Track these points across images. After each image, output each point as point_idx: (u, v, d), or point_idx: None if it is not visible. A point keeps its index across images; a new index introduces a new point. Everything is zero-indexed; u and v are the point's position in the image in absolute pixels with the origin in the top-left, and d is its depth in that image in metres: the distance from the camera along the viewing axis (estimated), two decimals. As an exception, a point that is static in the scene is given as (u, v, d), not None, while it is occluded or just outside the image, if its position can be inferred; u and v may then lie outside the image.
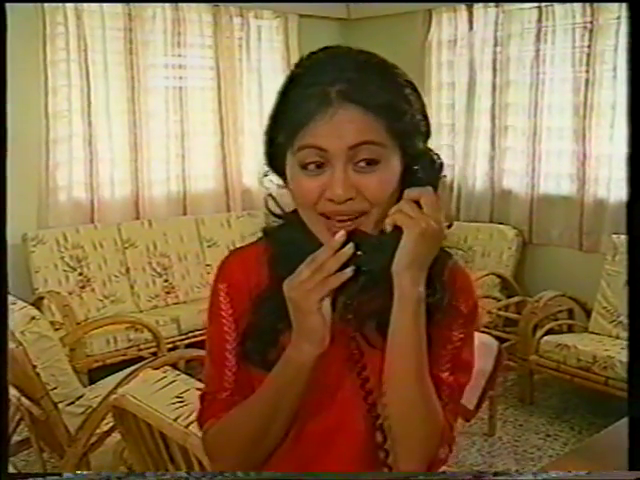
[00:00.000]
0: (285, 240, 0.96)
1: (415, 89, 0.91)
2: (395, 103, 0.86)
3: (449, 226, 0.94)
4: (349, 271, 0.85)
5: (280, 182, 0.94)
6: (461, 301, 0.96)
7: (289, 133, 0.87)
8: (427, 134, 0.92)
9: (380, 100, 0.84)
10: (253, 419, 0.94)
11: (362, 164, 0.85)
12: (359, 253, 0.86)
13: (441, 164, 0.92)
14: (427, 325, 0.91)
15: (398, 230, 0.87)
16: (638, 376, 0.98)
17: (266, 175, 0.96)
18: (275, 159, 0.92)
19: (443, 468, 0.97)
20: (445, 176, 0.93)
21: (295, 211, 0.94)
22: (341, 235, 0.85)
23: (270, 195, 0.97)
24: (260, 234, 1.02)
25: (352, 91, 0.84)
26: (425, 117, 0.92)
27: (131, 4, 4.27)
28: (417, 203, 0.87)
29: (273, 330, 0.94)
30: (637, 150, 0.95)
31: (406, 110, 0.87)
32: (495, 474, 1.01)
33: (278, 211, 0.98)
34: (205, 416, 1.02)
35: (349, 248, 0.86)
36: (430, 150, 0.92)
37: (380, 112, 0.84)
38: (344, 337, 0.94)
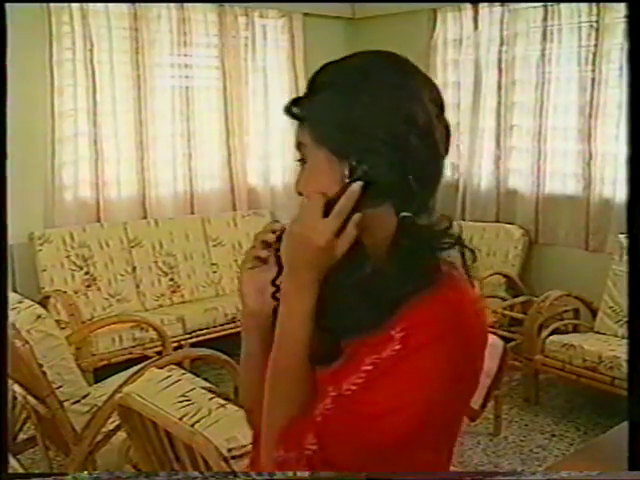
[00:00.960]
0: None
1: (380, 98, 0.87)
2: (317, 108, 0.90)
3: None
4: (264, 252, 0.99)
5: None
6: (401, 323, 0.83)
7: None
8: (375, 145, 0.86)
9: (305, 106, 0.92)
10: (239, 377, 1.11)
11: (301, 161, 0.94)
12: None
13: (355, 168, 0.87)
14: (348, 334, 0.88)
15: None
16: (638, 379, 0.97)
17: None
18: None
19: (453, 468, 0.96)
20: (358, 186, 0.86)
21: None
22: (273, 228, 0.99)
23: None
24: None
25: (301, 98, 0.93)
26: (358, 128, 0.87)
27: (136, 4, 4.28)
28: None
29: None
30: (637, 150, 0.94)
31: (328, 116, 0.89)
32: (504, 474, 1.00)
33: None
34: None
35: (270, 236, 0.98)
36: (356, 161, 0.87)
37: (303, 116, 0.92)
38: None
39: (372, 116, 0.87)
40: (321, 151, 0.90)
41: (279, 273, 0.95)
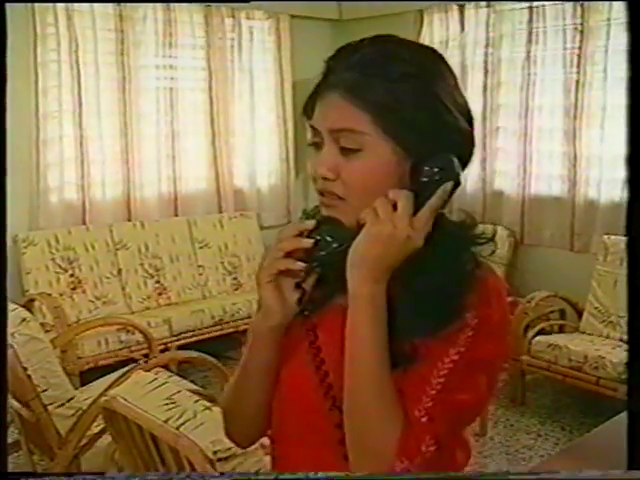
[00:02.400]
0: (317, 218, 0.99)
1: (436, 94, 0.88)
2: (387, 98, 0.86)
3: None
4: (300, 264, 0.90)
5: None
6: (470, 311, 0.87)
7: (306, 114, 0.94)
8: (446, 141, 0.88)
9: (371, 92, 0.86)
10: (234, 383, 1.02)
11: (346, 149, 0.88)
12: (328, 239, 0.90)
13: (445, 173, 0.88)
14: (421, 333, 0.88)
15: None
16: (637, 374, 0.97)
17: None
18: None
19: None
20: (450, 186, 0.88)
21: None
22: (310, 223, 0.91)
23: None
24: None
25: (347, 79, 0.87)
26: (447, 124, 0.88)
27: (122, 5, 4.26)
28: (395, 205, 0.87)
29: None
30: (637, 149, 0.95)
31: (400, 108, 0.86)
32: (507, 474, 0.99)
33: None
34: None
35: (306, 242, 0.89)
36: (443, 157, 0.88)
37: (367, 104, 0.86)
38: (302, 331, 0.96)
39: (445, 115, 0.87)
40: (388, 144, 0.87)
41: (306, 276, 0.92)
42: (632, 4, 0.98)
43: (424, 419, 0.86)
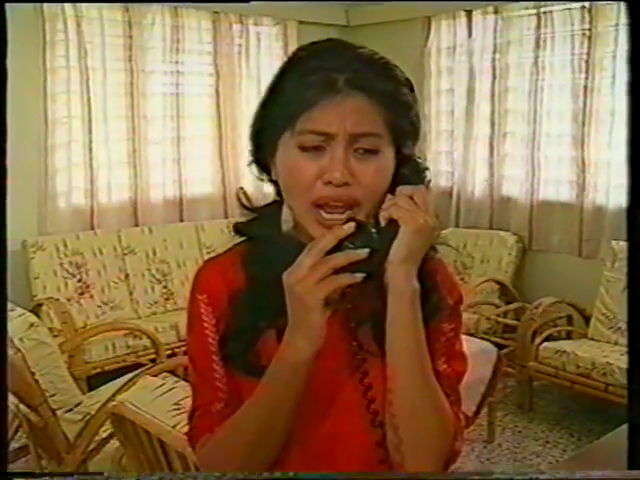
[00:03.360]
0: (257, 234, 0.96)
1: (412, 89, 0.92)
2: (397, 98, 0.88)
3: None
4: (359, 276, 0.82)
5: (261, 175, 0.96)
6: (446, 293, 0.97)
7: (290, 115, 0.86)
8: (417, 137, 0.93)
9: (384, 93, 0.86)
10: (251, 428, 0.89)
11: (361, 151, 0.86)
12: (360, 244, 0.83)
13: (425, 168, 0.93)
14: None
15: (393, 225, 0.85)
16: (638, 381, 0.97)
17: (250, 164, 0.96)
18: (261, 147, 0.92)
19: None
20: (430, 180, 0.93)
21: (269, 204, 0.96)
22: (350, 226, 0.83)
23: (242, 188, 1.00)
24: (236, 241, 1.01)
25: (359, 80, 0.85)
26: (418, 119, 0.93)
27: (130, 12, 4.28)
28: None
29: (253, 329, 0.91)
30: (637, 156, 0.94)
31: (405, 107, 0.90)
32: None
33: (250, 204, 0.99)
34: (199, 431, 0.94)
35: (362, 253, 0.82)
36: (414, 153, 0.93)
37: (383, 104, 0.86)
38: (344, 342, 0.92)
39: (415, 113, 0.93)
40: (391, 147, 0.88)
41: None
42: (632, 7, 0.98)
43: (451, 398, 0.93)
